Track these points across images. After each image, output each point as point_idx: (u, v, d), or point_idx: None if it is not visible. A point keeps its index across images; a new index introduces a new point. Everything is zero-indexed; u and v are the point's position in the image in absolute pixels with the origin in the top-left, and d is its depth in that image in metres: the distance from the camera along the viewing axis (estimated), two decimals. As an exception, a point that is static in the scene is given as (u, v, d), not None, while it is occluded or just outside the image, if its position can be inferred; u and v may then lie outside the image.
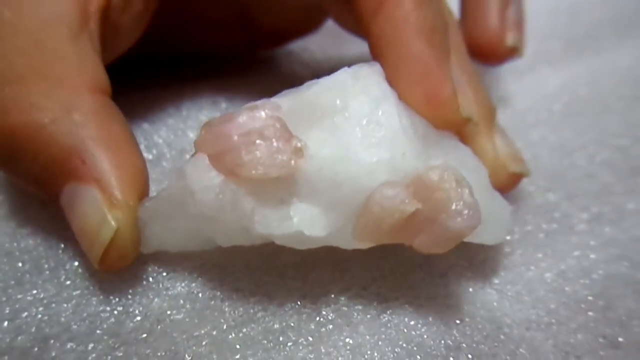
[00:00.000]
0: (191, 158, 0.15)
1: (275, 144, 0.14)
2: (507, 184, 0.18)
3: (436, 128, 0.16)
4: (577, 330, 0.16)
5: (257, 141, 0.14)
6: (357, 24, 0.17)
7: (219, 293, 0.17)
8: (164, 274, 0.17)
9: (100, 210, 0.15)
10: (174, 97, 0.22)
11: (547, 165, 0.21)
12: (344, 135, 0.14)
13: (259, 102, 0.15)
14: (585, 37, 0.27)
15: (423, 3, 0.16)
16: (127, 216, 0.15)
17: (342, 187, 0.14)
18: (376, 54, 0.16)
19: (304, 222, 0.14)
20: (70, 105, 0.15)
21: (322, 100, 0.15)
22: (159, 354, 0.15)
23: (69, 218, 0.16)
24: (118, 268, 0.16)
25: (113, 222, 0.15)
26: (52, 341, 0.15)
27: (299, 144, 0.14)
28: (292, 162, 0.14)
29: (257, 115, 0.14)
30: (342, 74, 0.15)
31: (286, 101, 0.15)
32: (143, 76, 0.23)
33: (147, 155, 0.20)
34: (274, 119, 0.14)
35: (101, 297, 0.16)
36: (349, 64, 0.15)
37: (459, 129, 0.17)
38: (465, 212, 0.14)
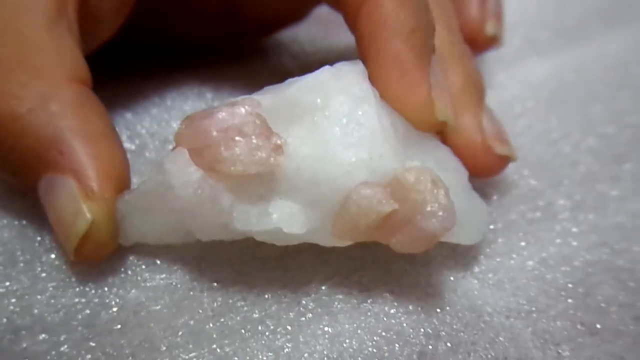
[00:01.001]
0: (171, 152, 0.15)
1: (254, 140, 0.14)
2: (493, 167, 0.18)
3: (416, 129, 0.16)
4: (557, 317, 0.16)
5: (237, 138, 0.14)
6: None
7: (198, 284, 0.17)
8: (143, 266, 0.17)
9: (76, 202, 0.15)
10: (158, 87, 0.22)
11: (532, 153, 0.21)
12: (323, 134, 0.14)
13: (239, 99, 0.15)
14: (574, 27, 0.27)
15: (405, 4, 0.16)
16: (102, 209, 0.15)
17: (320, 186, 0.14)
18: (360, 53, 0.16)
19: (283, 219, 0.14)
20: (47, 95, 0.15)
21: (302, 99, 0.15)
22: (133, 344, 0.15)
23: (45, 208, 0.16)
24: (94, 260, 0.16)
25: (88, 214, 0.15)
26: (23, 332, 0.15)
27: (278, 141, 0.14)
28: (272, 159, 0.14)
29: (236, 112, 0.14)
30: (324, 73, 0.15)
31: (267, 98, 0.15)
32: (127, 65, 0.22)
33: (130, 146, 0.20)
34: (253, 116, 0.14)
35: (77, 289, 0.16)
36: (338, 56, 0.16)
37: (436, 132, 0.17)
38: (440, 213, 0.14)
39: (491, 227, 0.19)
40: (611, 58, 0.25)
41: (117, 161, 0.16)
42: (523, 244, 0.18)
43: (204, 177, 0.14)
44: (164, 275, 0.17)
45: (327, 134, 0.14)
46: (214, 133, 0.14)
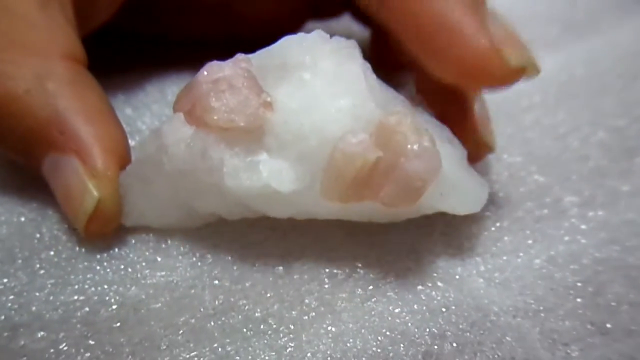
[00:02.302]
0: (168, 118, 0.15)
1: (244, 93, 0.14)
2: (506, 80, 0.15)
3: (484, 92, 0.15)
4: (565, 317, 0.16)
5: (226, 90, 0.15)
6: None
7: (199, 282, 0.16)
8: (143, 263, 0.17)
9: (82, 181, 0.15)
10: (158, 82, 0.22)
11: (539, 149, 0.21)
12: (311, 89, 0.15)
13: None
14: (585, 20, 0.27)
15: None
16: (107, 186, 0.15)
17: (308, 139, 0.14)
18: (399, 30, 0.15)
19: (273, 176, 0.15)
20: (42, 74, 0.15)
21: (292, 57, 0.15)
22: (133, 342, 0.15)
23: (52, 188, 0.16)
24: (103, 235, 0.16)
25: (95, 192, 0.15)
26: (21, 330, 0.15)
27: (268, 98, 0.15)
28: (261, 112, 0.14)
29: (226, 66, 0.15)
30: (315, 35, 0.15)
31: (256, 57, 0.15)
32: (126, 61, 0.22)
33: (130, 142, 0.20)
34: (243, 70, 0.15)
35: (76, 286, 0.16)
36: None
37: (511, 83, 0.14)
38: (424, 154, 0.14)
39: (497, 224, 0.18)
40: (622, 49, 0.25)
41: (117, 138, 0.16)
42: (530, 242, 0.18)
43: (196, 132, 0.15)
44: (164, 273, 0.16)
45: (314, 89, 0.15)
46: (204, 85, 0.15)
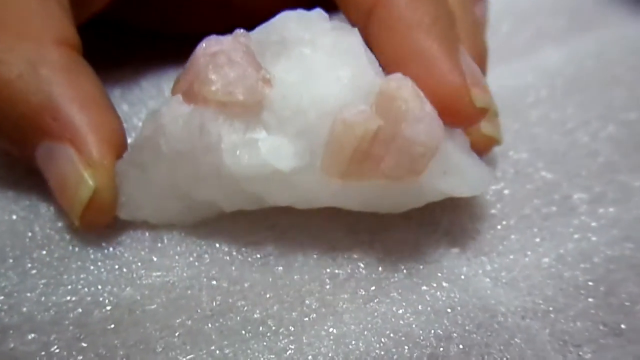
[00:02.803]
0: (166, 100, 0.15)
1: (243, 67, 0.14)
2: (470, 119, 0.15)
3: (451, 126, 0.15)
4: (576, 317, 0.16)
5: (225, 64, 0.14)
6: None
7: (196, 282, 0.16)
8: (139, 263, 0.16)
9: (77, 170, 0.15)
10: (155, 78, 0.21)
11: (546, 144, 0.20)
12: (310, 63, 0.15)
13: None
14: (592, 11, 0.26)
15: None
16: (103, 175, 0.15)
17: (307, 113, 0.14)
18: (378, 56, 0.15)
19: (272, 153, 0.14)
20: (36, 59, 0.15)
21: (290, 32, 0.15)
22: (127, 344, 0.15)
23: (46, 177, 0.16)
24: (98, 225, 0.16)
25: (91, 182, 0.15)
26: (11, 331, 0.15)
27: (267, 75, 0.15)
28: (260, 86, 0.14)
29: (225, 39, 0.15)
30: (315, 12, 0.15)
31: (255, 33, 0.15)
32: (123, 56, 0.22)
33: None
34: (242, 45, 0.15)
35: (69, 286, 0.16)
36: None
37: (475, 123, 0.16)
38: (425, 118, 0.14)
39: (503, 222, 0.18)
40: (632, 41, 0.24)
41: (113, 126, 0.16)
42: (538, 240, 0.17)
43: (194, 109, 0.14)
44: (160, 273, 0.16)
45: (313, 62, 0.15)
46: (202, 59, 0.14)
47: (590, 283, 0.16)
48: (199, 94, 0.14)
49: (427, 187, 0.15)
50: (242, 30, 0.15)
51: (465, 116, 0.15)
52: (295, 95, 0.14)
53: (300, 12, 0.15)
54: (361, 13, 0.16)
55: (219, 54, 0.14)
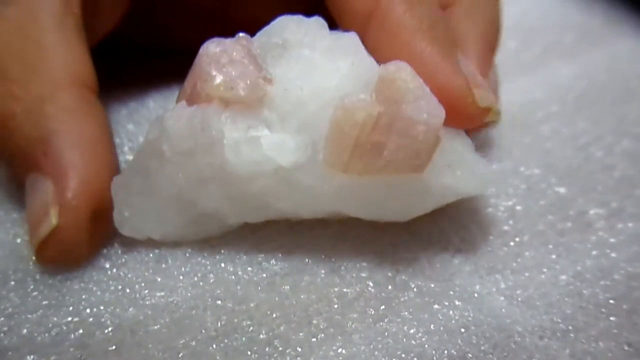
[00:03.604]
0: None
1: (244, 65, 0.15)
2: (475, 119, 0.16)
3: (455, 127, 0.15)
4: (598, 337, 0.15)
5: (227, 63, 0.15)
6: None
7: (200, 302, 0.16)
8: (142, 283, 0.16)
9: (45, 205, 0.15)
10: (160, 98, 0.22)
11: (559, 159, 0.20)
12: (309, 60, 0.15)
13: None
14: (601, 26, 0.26)
15: (414, 3, 0.15)
16: (70, 215, 0.15)
17: (308, 106, 0.14)
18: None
19: (273, 149, 0.15)
20: (46, 97, 0.15)
21: (290, 35, 0.15)
22: (129, 367, 0.14)
23: (26, 205, 0.16)
24: (60, 264, 0.16)
25: (53, 219, 0.15)
26: (9, 353, 0.14)
27: (268, 75, 0.15)
28: (261, 83, 0.15)
29: (227, 40, 0.15)
30: (315, 19, 0.16)
31: (257, 36, 0.16)
32: (128, 76, 0.22)
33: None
34: (243, 46, 0.15)
35: (71, 308, 0.15)
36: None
37: (481, 121, 0.16)
38: (425, 96, 0.14)
39: (516, 239, 0.17)
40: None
41: (100, 170, 0.16)
42: (554, 256, 0.17)
43: (196, 107, 0.15)
44: (163, 293, 0.16)
45: (312, 59, 0.15)
46: (205, 58, 0.15)
47: (612, 301, 0.16)
48: (202, 92, 0.15)
49: (432, 182, 0.15)
50: (243, 33, 0.15)
51: (470, 116, 0.15)
52: (295, 88, 0.15)
53: (299, 17, 0.16)
54: (359, 19, 0.16)
55: (221, 54, 0.15)
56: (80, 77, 0.16)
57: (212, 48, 0.15)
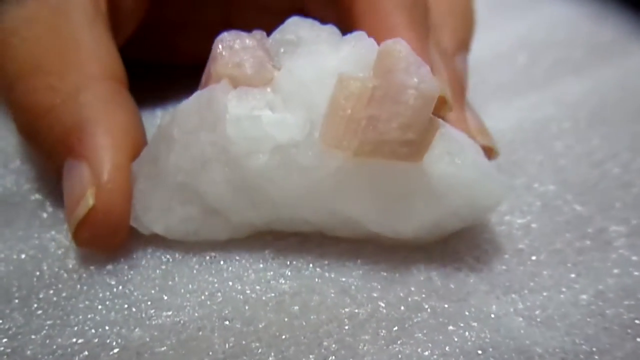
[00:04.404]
0: None
1: (254, 49, 0.16)
2: None
3: None
4: (625, 359, 0.14)
5: (239, 49, 0.16)
6: (340, 21, 0.17)
7: (208, 323, 0.15)
8: (149, 302, 0.16)
9: (83, 187, 0.15)
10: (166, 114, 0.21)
11: (574, 176, 0.20)
12: (316, 51, 0.16)
13: None
14: (610, 42, 0.26)
15: None
16: (107, 196, 0.15)
17: (309, 86, 0.15)
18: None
19: (273, 126, 0.15)
20: (81, 87, 0.16)
21: (304, 33, 0.16)
22: (133, 390, 0.14)
23: (63, 191, 0.16)
24: (96, 247, 0.16)
25: (90, 200, 0.15)
26: (12, 376, 0.14)
27: (277, 65, 0.16)
28: (269, 66, 0.15)
29: (241, 32, 0.16)
30: (328, 26, 0.16)
31: (272, 35, 0.16)
32: (137, 92, 0.22)
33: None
34: (257, 39, 0.16)
35: (75, 328, 0.15)
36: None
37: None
38: (418, 65, 0.14)
39: (533, 258, 0.17)
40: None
41: (133, 156, 0.16)
42: (573, 275, 0.16)
43: (206, 88, 0.16)
44: (170, 313, 0.15)
45: (319, 50, 0.16)
46: (219, 44, 0.16)
47: (637, 321, 0.15)
48: (213, 72, 0.15)
49: (432, 169, 0.15)
50: (260, 31, 0.16)
51: None
52: (300, 70, 0.15)
53: (313, 21, 0.16)
54: None
55: (234, 40, 0.16)
56: (112, 71, 0.17)
57: (227, 36, 0.16)
